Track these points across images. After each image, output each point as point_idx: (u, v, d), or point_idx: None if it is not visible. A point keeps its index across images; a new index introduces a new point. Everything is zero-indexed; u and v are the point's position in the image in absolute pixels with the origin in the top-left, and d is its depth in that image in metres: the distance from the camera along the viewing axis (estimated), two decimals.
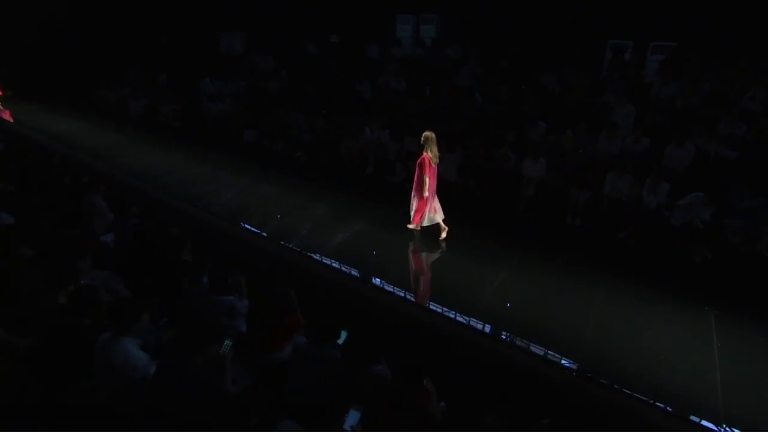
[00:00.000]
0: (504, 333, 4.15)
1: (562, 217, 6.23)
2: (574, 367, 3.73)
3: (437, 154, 5.57)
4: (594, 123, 6.88)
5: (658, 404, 3.36)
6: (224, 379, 2.50)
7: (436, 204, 5.72)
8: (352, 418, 2.34)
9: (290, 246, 5.66)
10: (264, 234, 6.04)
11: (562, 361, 3.78)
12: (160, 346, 2.97)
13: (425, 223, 5.78)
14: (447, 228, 5.78)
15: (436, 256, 5.61)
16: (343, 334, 3.35)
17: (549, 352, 3.87)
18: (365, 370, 2.68)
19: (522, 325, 4.21)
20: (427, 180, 5.46)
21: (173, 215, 6.33)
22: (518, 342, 4.01)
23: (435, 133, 5.63)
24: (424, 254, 5.71)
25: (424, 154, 5.50)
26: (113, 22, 17.55)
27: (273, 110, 10.06)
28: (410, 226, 5.92)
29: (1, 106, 13.43)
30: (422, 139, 5.55)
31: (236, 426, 2.48)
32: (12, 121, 12.56)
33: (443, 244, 5.74)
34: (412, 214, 5.83)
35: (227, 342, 2.58)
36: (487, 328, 4.18)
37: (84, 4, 17.20)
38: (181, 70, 14.44)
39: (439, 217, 5.75)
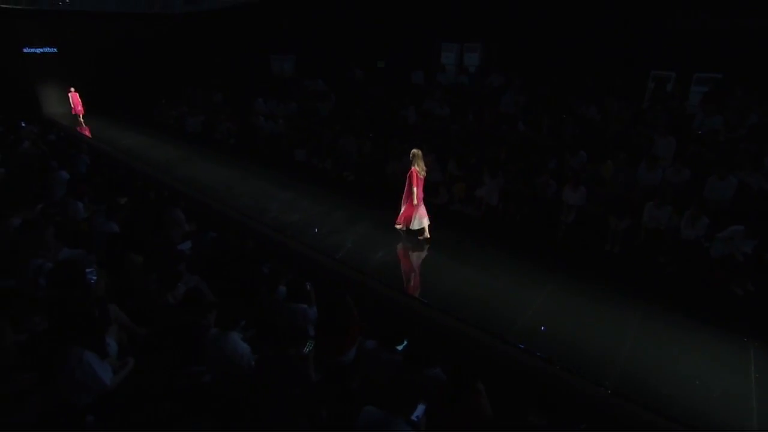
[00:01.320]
0: (542, 349, 4.40)
1: (601, 245, 6.45)
2: (607, 384, 3.98)
3: (424, 168, 6.45)
4: (634, 153, 7.08)
5: (691, 424, 3.57)
6: (310, 371, 3.01)
7: (423, 210, 6.61)
8: (419, 410, 2.77)
9: (337, 258, 6.21)
10: (315, 247, 6.59)
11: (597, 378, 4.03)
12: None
13: (414, 227, 6.65)
14: (429, 235, 6.67)
15: (479, 277, 5.92)
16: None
17: (584, 369, 4.13)
18: (423, 373, 3.12)
19: (559, 345, 4.49)
20: (415, 190, 6.37)
21: (231, 227, 6.96)
22: (555, 359, 4.26)
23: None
24: (466, 275, 6.03)
25: (413, 168, 6.38)
26: (172, 45, 19.14)
27: (323, 131, 10.79)
28: (397, 226, 6.87)
29: (83, 122, 14.88)
30: (411, 155, 6.41)
31: (313, 412, 2.98)
32: (90, 136, 13.94)
33: (425, 244, 6.64)
34: (400, 215, 6.76)
35: (309, 342, 3.09)
36: (526, 345, 4.46)
37: (145, 30, 18.89)
38: (235, 90, 15.55)
39: (426, 222, 6.64)
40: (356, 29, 13.78)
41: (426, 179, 6.54)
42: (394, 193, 6.81)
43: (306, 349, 3.06)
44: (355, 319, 3.83)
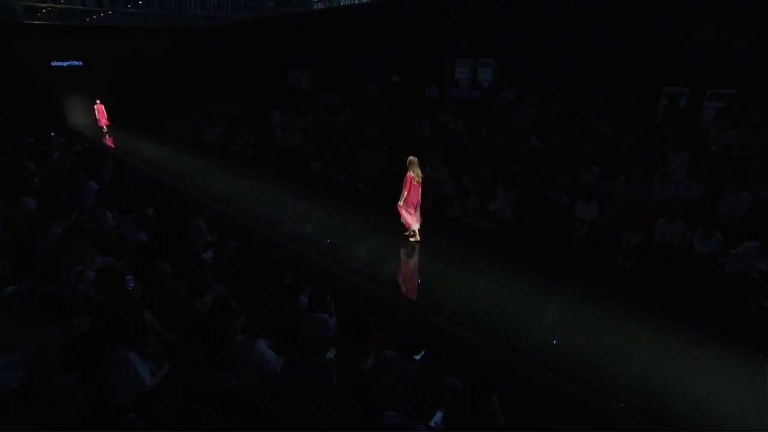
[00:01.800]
0: (554, 362, 4.46)
1: (614, 259, 6.50)
2: (620, 398, 4.03)
3: (419, 174, 6.87)
4: (647, 169, 7.14)
5: None
6: (332, 377, 3.15)
7: (418, 214, 7.05)
8: (437, 417, 2.89)
9: (351, 268, 6.36)
10: (332, 258, 6.75)
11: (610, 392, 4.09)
12: None
13: (417, 228, 7.04)
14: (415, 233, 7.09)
15: (492, 290, 6.00)
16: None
17: (597, 382, 4.18)
18: (441, 381, 3.24)
19: (571, 358, 4.55)
20: (406, 193, 6.82)
21: (249, 237, 7.17)
22: (567, 372, 4.32)
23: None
24: (479, 287, 6.11)
25: (408, 173, 6.78)
26: (192, 59, 19.72)
27: (339, 144, 11.02)
28: (412, 239, 7.12)
29: (107, 133, 15.39)
30: (407, 161, 6.81)
31: (336, 414, 3.11)
32: (113, 146, 14.40)
33: (410, 244, 7.06)
34: (406, 223, 7.07)
35: (332, 349, 3.24)
36: (539, 358, 4.53)
37: (167, 44, 19.53)
38: (253, 103, 15.95)
39: (417, 226, 7.05)
40: (371, 44, 14.09)
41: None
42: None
43: (329, 356, 3.21)
44: (373, 330, 3.96)
